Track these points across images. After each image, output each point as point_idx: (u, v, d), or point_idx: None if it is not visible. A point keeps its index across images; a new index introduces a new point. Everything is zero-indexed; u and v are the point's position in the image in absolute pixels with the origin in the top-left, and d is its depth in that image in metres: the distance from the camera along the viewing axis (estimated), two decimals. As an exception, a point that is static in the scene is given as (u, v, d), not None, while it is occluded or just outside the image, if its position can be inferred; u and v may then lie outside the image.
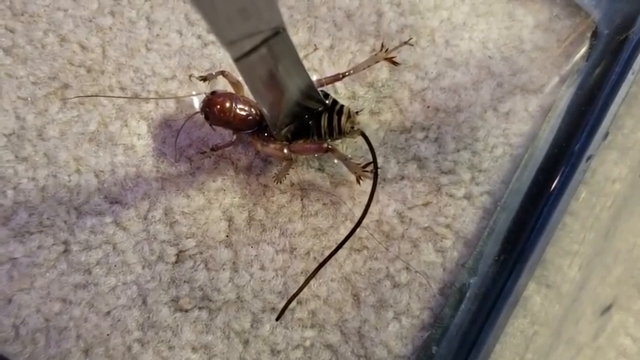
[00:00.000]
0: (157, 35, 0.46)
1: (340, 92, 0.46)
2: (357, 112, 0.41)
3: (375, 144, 0.45)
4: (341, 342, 0.43)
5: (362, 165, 0.41)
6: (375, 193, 0.44)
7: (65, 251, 0.44)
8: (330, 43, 0.46)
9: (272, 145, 0.42)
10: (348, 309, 0.44)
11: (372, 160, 0.41)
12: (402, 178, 0.45)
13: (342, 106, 0.41)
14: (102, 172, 0.44)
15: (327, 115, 0.41)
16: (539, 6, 0.47)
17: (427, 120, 0.45)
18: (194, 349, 0.43)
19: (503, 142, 0.45)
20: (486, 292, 0.43)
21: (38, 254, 0.43)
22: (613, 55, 0.44)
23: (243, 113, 0.41)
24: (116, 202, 0.44)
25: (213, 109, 0.40)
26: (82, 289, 0.43)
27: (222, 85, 0.44)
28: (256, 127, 0.42)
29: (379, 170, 0.42)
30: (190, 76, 0.44)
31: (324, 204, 0.45)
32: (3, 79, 0.45)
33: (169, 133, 0.45)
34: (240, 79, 0.41)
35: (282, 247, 0.44)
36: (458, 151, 0.45)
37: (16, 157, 0.44)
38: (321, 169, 0.45)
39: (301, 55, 0.45)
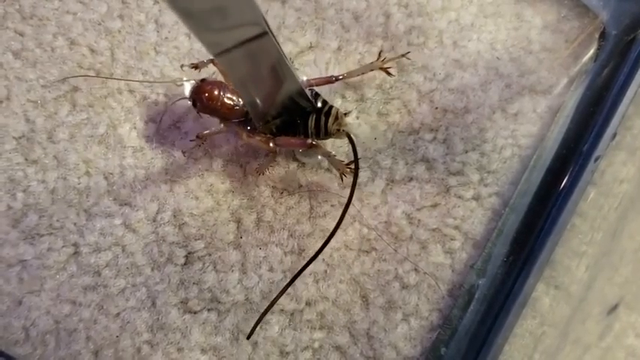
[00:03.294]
0: (166, 38, 0.46)
1: (348, 95, 0.46)
2: (345, 114, 0.42)
3: (383, 145, 0.45)
4: (350, 343, 0.43)
5: (345, 162, 0.42)
6: (384, 194, 0.45)
7: (75, 253, 0.44)
8: (338, 45, 0.46)
9: (257, 137, 0.42)
10: (356, 310, 0.44)
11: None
12: (411, 179, 0.45)
13: (331, 107, 0.41)
14: (111, 174, 0.45)
15: (314, 115, 0.41)
16: (548, 7, 0.47)
17: (435, 121, 0.45)
18: (203, 351, 0.43)
19: (511, 143, 0.45)
20: (495, 293, 0.43)
21: (48, 256, 0.44)
22: (621, 55, 0.44)
23: (231, 102, 0.41)
24: (125, 204, 0.44)
25: (201, 96, 0.41)
26: (91, 291, 0.43)
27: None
28: (243, 118, 0.42)
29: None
30: (182, 65, 0.44)
31: (332, 205, 0.45)
32: (13, 82, 0.45)
33: (178, 135, 0.45)
34: None
35: (291, 249, 0.44)
36: (466, 152, 0.45)
37: (26, 159, 0.44)
38: (329, 170, 0.45)
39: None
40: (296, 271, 0.44)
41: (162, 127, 0.45)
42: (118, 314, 0.43)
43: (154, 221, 0.44)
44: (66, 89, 0.45)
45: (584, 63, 0.46)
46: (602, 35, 0.46)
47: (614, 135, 0.43)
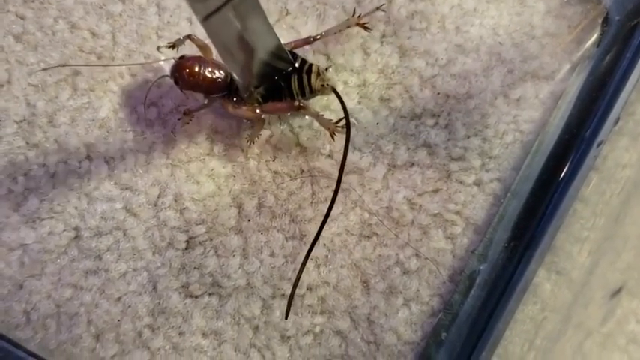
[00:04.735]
0: (168, 22, 0.46)
1: (350, 80, 0.46)
2: (326, 69, 0.42)
3: (385, 130, 0.45)
4: (351, 328, 0.44)
5: (334, 121, 0.42)
6: (385, 179, 0.45)
7: (76, 237, 0.44)
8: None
9: (244, 107, 0.42)
10: (357, 295, 0.44)
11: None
12: (412, 164, 0.45)
13: (311, 64, 0.41)
14: (112, 158, 0.45)
15: (296, 75, 0.41)
16: (550, -8, 0.46)
17: (437, 106, 0.45)
18: (204, 335, 0.43)
19: (513, 129, 0.45)
20: (496, 278, 0.43)
21: (49, 240, 0.44)
22: (624, 41, 0.44)
23: (213, 76, 0.41)
24: (126, 189, 0.44)
25: (183, 72, 0.41)
26: (92, 274, 0.43)
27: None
28: (227, 90, 0.42)
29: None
30: (158, 47, 0.44)
31: (333, 191, 0.45)
32: (14, 65, 0.45)
33: (179, 120, 0.45)
34: (208, 42, 0.42)
35: (292, 234, 0.44)
36: (468, 137, 0.45)
37: (27, 143, 0.44)
38: (330, 156, 0.45)
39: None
40: (297, 256, 0.44)
41: (164, 110, 0.45)
42: (119, 298, 0.43)
43: (155, 206, 0.44)
44: (67, 73, 0.45)
45: (587, 48, 0.46)
46: (605, 21, 0.45)
47: (617, 120, 0.43)
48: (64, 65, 0.45)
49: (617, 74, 0.44)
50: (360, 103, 0.45)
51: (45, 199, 0.44)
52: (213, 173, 0.45)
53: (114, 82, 0.45)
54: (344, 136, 0.40)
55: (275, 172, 0.45)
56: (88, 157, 0.44)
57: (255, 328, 0.44)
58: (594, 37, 0.46)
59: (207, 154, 0.45)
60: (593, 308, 0.43)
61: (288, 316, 0.43)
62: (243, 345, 0.43)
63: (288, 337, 0.43)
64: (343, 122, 0.41)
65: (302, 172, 0.45)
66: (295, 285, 0.41)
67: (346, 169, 0.44)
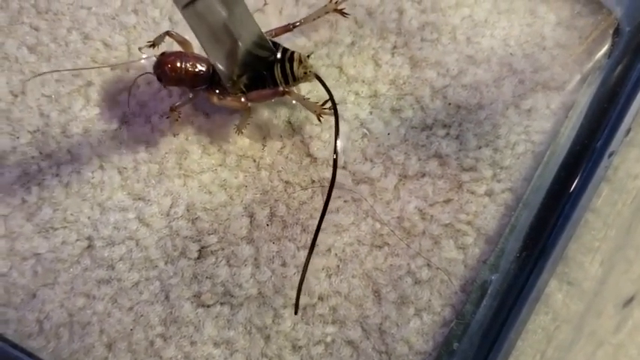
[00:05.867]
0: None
1: (361, 91, 0.46)
2: (307, 56, 0.42)
3: (396, 141, 0.45)
4: (362, 338, 0.44)
5: (320, 103, 0.42)
6: (396, 189, 0.45)
7: (89, 247, 0.44)
8: (352, 40, 0.46)
9: (229, 98, 0.43)
10: (369, 305, 0.44)
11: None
12: (423, 175, 0.45)
13: (293, 52, 0.42)
14: (125, 168, 0.45)
15: (279, 64, 0.42)
16: (561, 3, 0.46)
17: (448, 117, 0.45)
18: (216, 345, 0.44)
19: (524, 139, 0.45)
20: (508, 288, 0.43)
21: (62, 250, 0.44)
22: (635, 52, 0.44)
23: (195, 69, 0.42)
24: (139, 199, 0.44)
25: (165, 68, 0.41)
26: (105, 284, 0.44)
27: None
28: (210, 82, 0.43)
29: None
30: (140, 48, 0.45)
31: (345, 201, 0.45)
32: (28, 76, 0.45)
33: (192, 131, 0.45)
34: (187, 37, 0.42)
35: (304, 244, 0.44)
36: (479, 148, 0.45)
37: (40, 153, 0.45)
38: (343, 167, 0.45)
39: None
40: (309, 266, 0.44)
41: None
42: (131, 308, 0.43)
43: (168, 215, 0.44)
44: (80, 84, 0.45)
45: (598, 59, 0.46)
46: (616, 31, 0.46)
47: (628, 131, 0.43)
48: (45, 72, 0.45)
49: (629, 85, 0.44)
50: (371, 113, 0.46)
51: (58, 209, 0.44)
52: (225, 183, 0.45)
53: (127, 93, 0.45)
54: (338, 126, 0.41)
55: (287, 182, 0.45)
56: (101, 167, 0.45)
57: (267, 338, 0.44)
58: (605, 48, 0.46)
59: (220, 165, 0.45)
60: (605, 319, 0.43)
61: (300, 327, 0.43)
62: (255, 355, 0.43)
63: (300, 347, 0.44)
64: (329, 104, 0.41)
65: (313, 182, 0.45)
66: (302, 277, 0.41)
67: (357, 178, 0.45)
